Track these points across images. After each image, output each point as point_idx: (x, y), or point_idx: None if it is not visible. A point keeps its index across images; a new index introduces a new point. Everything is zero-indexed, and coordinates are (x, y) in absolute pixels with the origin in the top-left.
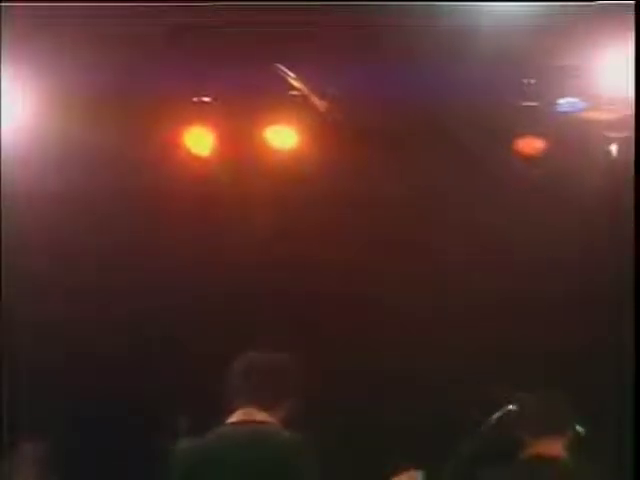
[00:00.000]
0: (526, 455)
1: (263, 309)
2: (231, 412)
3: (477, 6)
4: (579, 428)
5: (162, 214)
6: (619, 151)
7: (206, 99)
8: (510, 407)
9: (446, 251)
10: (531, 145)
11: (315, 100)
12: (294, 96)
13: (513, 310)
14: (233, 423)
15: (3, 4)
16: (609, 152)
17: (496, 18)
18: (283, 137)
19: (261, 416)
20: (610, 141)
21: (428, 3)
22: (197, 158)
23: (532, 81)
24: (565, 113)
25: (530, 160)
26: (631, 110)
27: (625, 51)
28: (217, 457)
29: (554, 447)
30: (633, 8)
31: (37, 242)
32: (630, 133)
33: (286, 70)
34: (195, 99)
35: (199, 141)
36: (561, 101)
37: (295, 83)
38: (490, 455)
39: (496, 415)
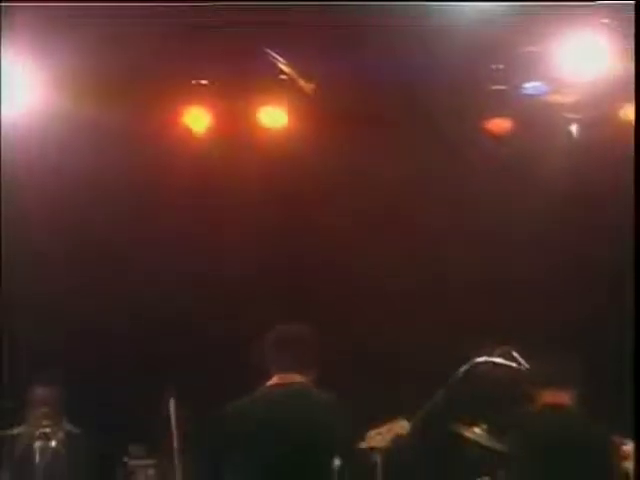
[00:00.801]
0: (536, 405)
1: (257, 277)
2: (268, 378)
3: (453, 6)
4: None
5: (162, 187)
6: (579, 131)
7: (203, 82)
8: (477, 360)
9: (422, 220)
10: (499, 125)
11: (303, 83)
12: (283, 80)
13: (487, 283)
14: (272, 385)
15: (3, 4)
16: (570, 132)
17: (469, 14)
18: (273, 117)
19: (297, 378)
20: (571, 122)
21: (409, 3)
22: (195, 135)
23: (500, 67)
24: (530, 96)
25: (498, 139)
26: (589, 93)
27: (584, 39)
28: (263, 413)
29: (561, 397)
30: (633, 8)
31: (38, 217)
32: (589, 114)
33: (276, 56)
34: (193, 82)
35: (197, 120)
36: (527, 85)
37: (284, 68)
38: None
39: (464, 368)
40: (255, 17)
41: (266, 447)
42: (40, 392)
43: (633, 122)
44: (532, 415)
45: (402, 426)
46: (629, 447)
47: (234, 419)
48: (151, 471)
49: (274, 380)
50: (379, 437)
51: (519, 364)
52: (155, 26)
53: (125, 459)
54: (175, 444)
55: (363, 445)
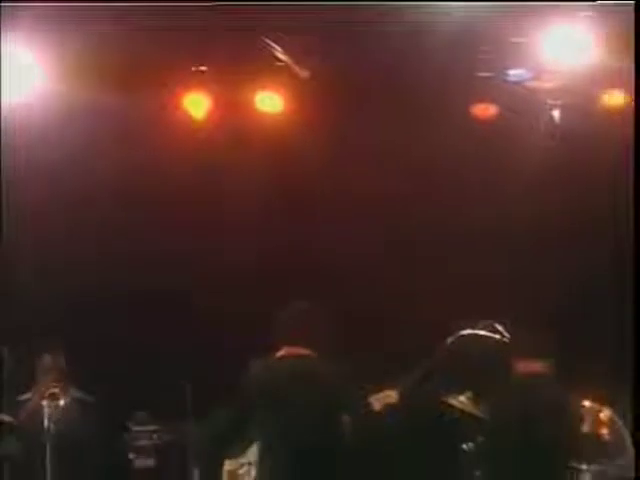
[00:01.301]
0: (514, 375)
1: (256, 253)
2: (277, 350)
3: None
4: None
5: (163, 168)
6: (560, 115)
7: (203, 68)
8: (462, 332)
9: (411, 196)
10: (485, 109)
11: (297, 70)
12: (279, 66)
13: (472, 259)
14: (282, 356)
15: (3, 4)
16: (551, 116)
17: (459, 7)
18: (269, 101)
19: (303, 351)
20: (551, 106)
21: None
22: (194, 119)
23: (487, 55)
24: (514, 82)
25: (484, 121)
26: (569, 80)
27: (565, 30)
28: (274, 380)
29: (539, 367)
30: (633, 8)
31: (43, 197)
32: (568, 99)
33: (273, 44)
34: (193, 68)
35: (196, 105)
36: (511, 72)
37: (280, 55)
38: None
39: (450, 339)
40: (253, 8)
41: (278, 409)
42: (49, 361)
43: (633, 121)
44: (509, 384)
45: (391, 395)
46: (606, 413)
47: (250, 385)
48: (154, 436)
49: (282, 352)
50: (394, 396)
51: (502, 336)
52: (156, 16)
53: (129, 425)
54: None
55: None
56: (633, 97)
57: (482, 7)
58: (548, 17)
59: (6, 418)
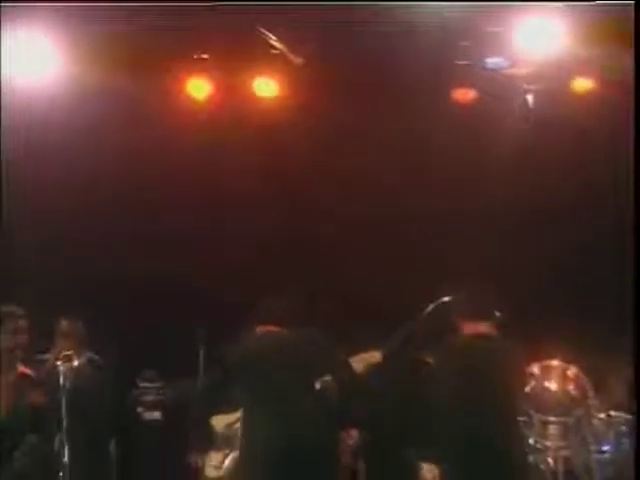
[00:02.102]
0: (461, 335)
1: (253, 225)
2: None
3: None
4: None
5: (167, 147)
6: (533, 99)
7: (204, 56)
8: (443, 299)
9: (399, 174)
10: (465, 94)
11: (292, 57)
12: (275, 54)
13: (453, 233)
14: (265, 331)
15: (3, 4)
16: (525, 100)
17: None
18: (266, 86)
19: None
20: (527, 91)
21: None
22: (196, 102)
23: (466, 44)
24: (492, 69)
25: (464, 105)
26: (542, 67)
27: (538, 21)
28: (257, 351)
29: (483, 327)
30: (633, 8)
31: (57, 173)
32: (542, 85)
33: (269, 34)
34: (196, 56)
35: (198, 89)
36: (489, 60)
37: (276, 44)
38: (433, 338)
39: (431, 306)
40: (251, 5)
41: (263, 374)
42: (64, 325)
43: (633, 121)
44: (459, 342)
45: (374, 356)
46: (572, 370)
47: (239, 352)
48: (160, 392)
49: (265, 328)
50: (355, 365)
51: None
52: (163, 13)
53: (138, 382)
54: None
55: (364, 361)
56: (633, 97)
57: (464, 6)
58: (522, 10)
59: (29, 372)
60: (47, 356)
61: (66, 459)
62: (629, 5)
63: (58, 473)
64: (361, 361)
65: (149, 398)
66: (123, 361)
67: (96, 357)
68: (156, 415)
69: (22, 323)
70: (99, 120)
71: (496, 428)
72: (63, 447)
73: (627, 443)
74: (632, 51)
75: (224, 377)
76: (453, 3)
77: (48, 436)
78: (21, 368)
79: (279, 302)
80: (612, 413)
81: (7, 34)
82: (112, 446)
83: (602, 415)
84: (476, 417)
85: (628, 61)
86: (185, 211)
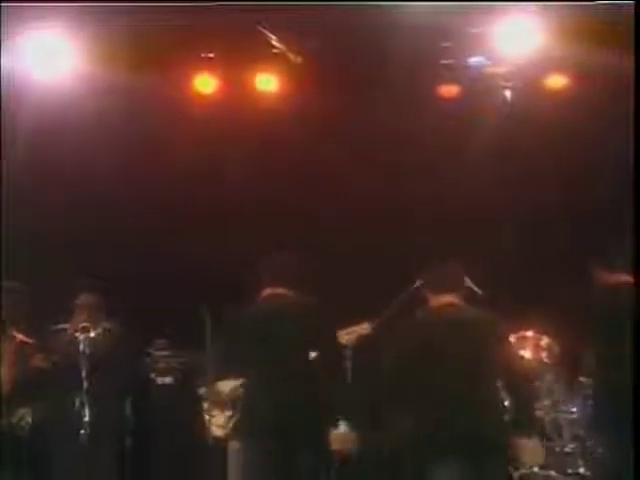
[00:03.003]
0: (429, 306)
1: (254, 207)
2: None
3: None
4: (472, 285)
5: (176, 136)
6: (511, 95)
7: (210, 55)
8: (419, 282)
9: (387, 161)
10: (448, 90)
11: (290, 56)
12: (275, 53)
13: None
14: (266, 296)
15: (3, 4)
16: (504, 95)
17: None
18: (266, 82)
19: (282, 290)
20: (504, 88)
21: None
22: (203, 97)
23: (449, 45)
24: (473, 68)
25: (448, 101)
26: (519, 65)
27: (516, 23)
28: (260, 314)
29: (448, 298)
30: (633, 8)
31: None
32: (518, 82)
33: (270, 34)
34: (202, 55)
35: (205, 85)
36: (470, 59)
37: (276, 43)
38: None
39: (417, 282)
40: (253, 6)
41: (262, 340)
42: (83, 298)
43: (633, 121)
44: (421, 314)
45: (365, 328)
46: (545, 341)
47: (239, 322)
48: (171, 359)
49: (267, 292)
50: (347, 336)
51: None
52: (174, 13)
53: (151, 350)
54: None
55: (355, 333)
56: (633, 97)
57: (449, 6)
58: (501, 12)
59: (27, 339)
60: (65, 326)
61: (87, 418)
62: (629, 5)
63: (80, 431)
64: (353, 333)
65: (161, 365)
66: (136, 331)
67: (111, 327)
68: (167, 380)
69: (21, 296)
70: (116, 113)
71: (465, 393)
72: (84, 407)
73: (592, 405)
74: (632, 51)
75: (228, 339)
76: (438, 3)
77: (70, 398)
78: (20, 336)
79: (286, 264)
80: (580, 378)
81: (16, 31)
82: (128, 406)
83: (570, 380)
84: (445, 382)
85: (599, 58)
86: (192, 191)
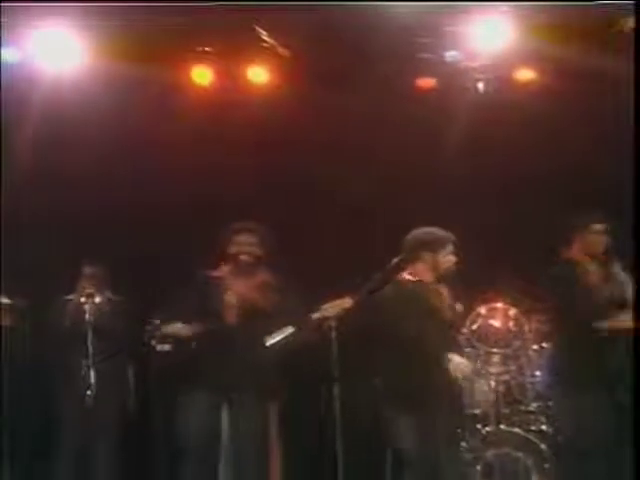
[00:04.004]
0: (401, 277)
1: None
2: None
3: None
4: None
5: (174, 126)
6: (483, 87)
7: (207, 49)
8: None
9: (373, 150)
10: (426, 83)
11: (280, 49)
12: (266, 47)
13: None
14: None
15: (3, 4)
16: (477, 87)
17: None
18: (258, 74)
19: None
20: (478, 80)
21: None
22: (200, 87)
23: (427, 40)
24: (449, 62)
25: (425, 93)
26: (491, 59)
27: (488, 21)
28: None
29: (421, 271)
30: (633, 8)
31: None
32: (490, 75)
33: (261, 30)
34: (199, 48)
35: (201, 76)
36: (446, 54)
37: (267, 39)
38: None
39: (399, 256)
40: (246, 6)
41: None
42: (87, 269)
43: (633, 120)
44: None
45: (347, 301)
46: (512, 311)
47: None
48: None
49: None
50: (331, 309)
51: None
52: (171, 9)
53: (152, 319)
54: None
55: (317, 315)
56: (633, 97)
57: (426, 6)
58: (475, 11)
59: (4, 300)
60: (72, 296)
61: (92, 380)
62: (629, 5)
63: (86, 391)
64: (335, 307)
65: (160, 333)
66: (139, 299)
67: (115, 296)
68: (167, 347)
69: None
70: (119, 103)
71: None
72: (89, 370)
73: (554, 369)
74: (632, 51)
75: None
76: (418, 3)
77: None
78: None
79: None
80: (544, 345)
81: (16, 30)
82: (130, 370)
83: (535, 347)
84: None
85: (563, 53)
86: (192, 160)
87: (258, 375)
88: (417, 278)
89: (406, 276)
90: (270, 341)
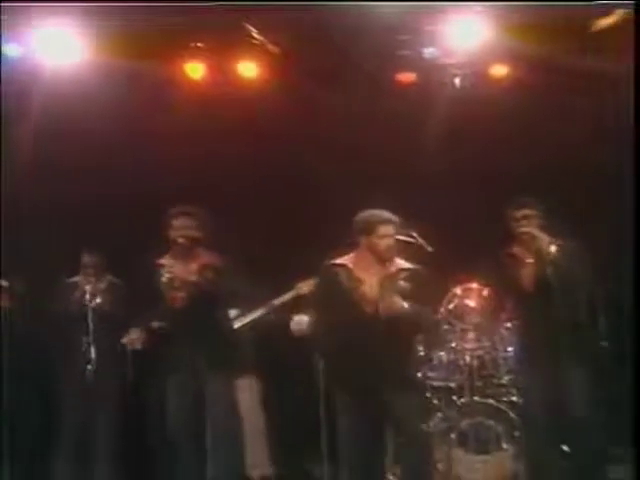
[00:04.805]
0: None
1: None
2: None
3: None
4: (422, 241)
5: (168, 118)
6: (460, 82)
7: (200, 44)
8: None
9: (359, 143)
10: (405, 78)
11: (269, 46)
12: (256, 44)
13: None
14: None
15: (3, 4)
16: (453, 82)
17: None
18: (248, 69)
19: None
20: (454, 75)
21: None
22: (193, 81)
23: (406, 37)
24: (427, 58)
25: (405, 87)
26: (467, 56)
27: (465, 20)
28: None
29: (360, 254)
30: (633, 8)
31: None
32: (466, 70)
33: (251, 27)
34: (192, 44)
35: (195, 71)
36: (425, 50)
37: (257, 35)
38: None
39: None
40: (237, 5)
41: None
42: (88, 258)
43: (633, 120)
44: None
45: (301, 287)
46: (486, 291)
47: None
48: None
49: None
50: (305, 287)
51: (416, 240)
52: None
53: None
54: None
55: (292, 293)
56: (633, 97)
57: (407, 6)
58: (452, 11)
59: (3, 282)
60: (75, 279)
61: (93, 355)
62: (629, 5)
63: (87, 366)
64: (309, 285)
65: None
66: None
67: (115, 280)
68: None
69: None
70: (119, 95)
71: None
72: (90, 347)
73: (525, 346)
74: (632, 51)
75: None
76: (400, 4)
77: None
78: None
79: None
80: (516, 322)
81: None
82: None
83: (508, 324)
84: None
85: (534, 50)
86: (188, 150)
87: (220, 354)
88: (340, 262)
89: (333, 261)
90: (238, 324)
